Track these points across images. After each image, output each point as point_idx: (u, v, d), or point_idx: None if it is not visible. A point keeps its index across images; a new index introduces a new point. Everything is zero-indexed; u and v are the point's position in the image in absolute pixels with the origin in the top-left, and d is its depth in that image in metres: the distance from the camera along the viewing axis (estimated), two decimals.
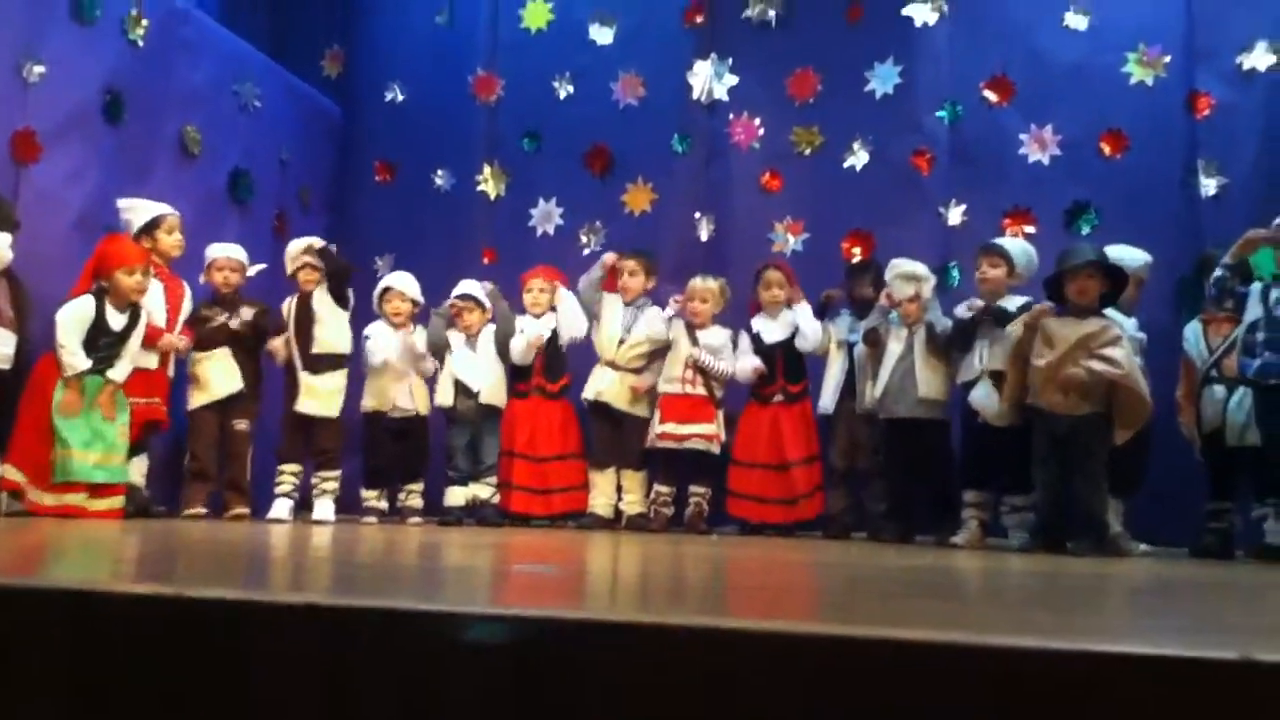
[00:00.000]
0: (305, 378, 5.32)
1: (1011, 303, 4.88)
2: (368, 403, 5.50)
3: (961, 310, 5.03)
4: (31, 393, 4.44)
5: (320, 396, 5.31)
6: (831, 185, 6.28)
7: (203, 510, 5.06)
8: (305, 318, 5.38)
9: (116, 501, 4.53)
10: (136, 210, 4.97)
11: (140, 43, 5.24)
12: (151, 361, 4.90)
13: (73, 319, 4.49)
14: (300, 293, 5.43)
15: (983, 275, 5.04)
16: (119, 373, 4.62)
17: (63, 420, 4.38)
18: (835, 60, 6.35)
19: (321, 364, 5.33)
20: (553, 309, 5.71)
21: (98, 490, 4.44)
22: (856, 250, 6.14)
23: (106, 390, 4.55)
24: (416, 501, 5.56)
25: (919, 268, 5.17)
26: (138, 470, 4.86)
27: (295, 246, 5.49)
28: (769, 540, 5.05)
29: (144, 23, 5.25)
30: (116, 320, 4.60)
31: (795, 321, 5.50)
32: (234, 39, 6.04)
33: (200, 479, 5.16)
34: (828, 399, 5.45)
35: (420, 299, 5.63)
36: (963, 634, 1.46)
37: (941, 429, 5.10)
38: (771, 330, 5.56)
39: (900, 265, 5.17)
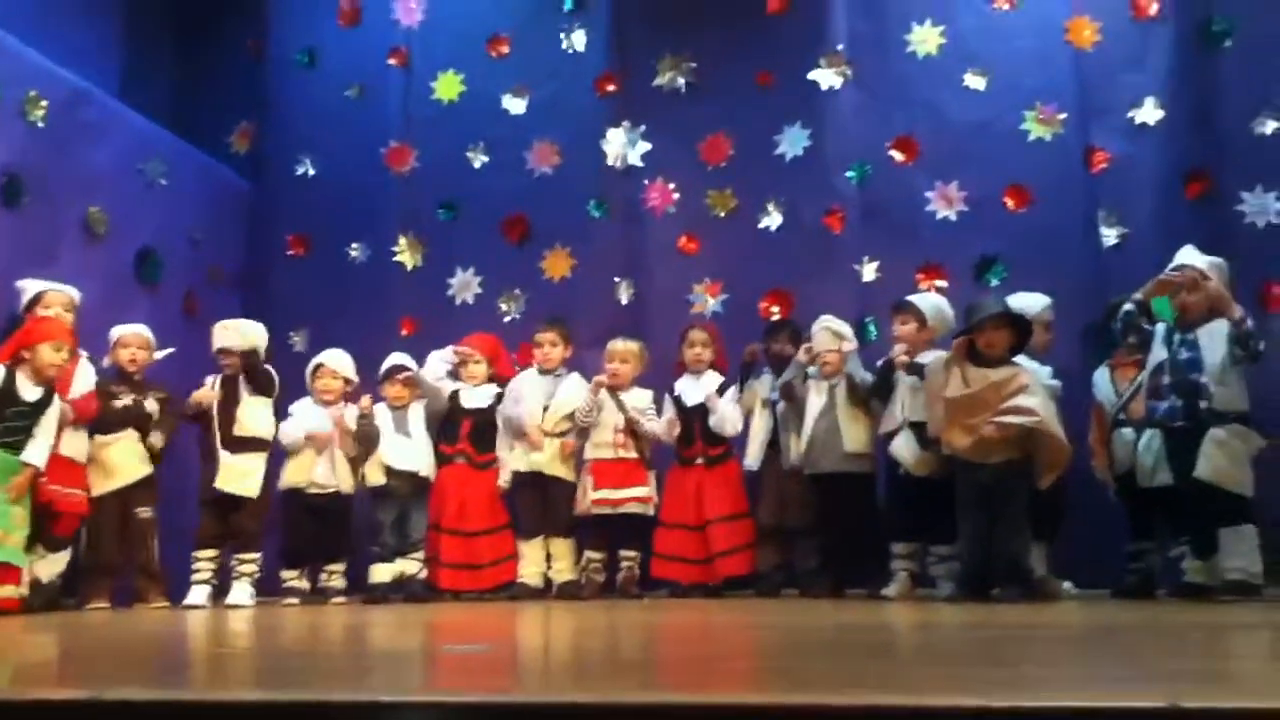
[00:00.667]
0: (225, 457, 5.19)
1: (927, 358, 4.96)
2: (286, 479, 5.36)
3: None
4: None
5: (239, 476, 5.18)
6: (748, 246, 6.38)
7: (105, 604, 4.87)
8: (228, 399, 5.26)
9: (11, 590, 4.32)
10: (26, 290, 4.84)
11: (40, 124, 5.13)
12: (79, 452, 4.77)
13: None
14: (223, 375, 5.31)
15: (897, 333, 5.14)
16: (36, 455, 4.45)
17: None
18: (746, 124, 6.49)
19: (242, 445, 5.21)
20: (490, 380, 5.66)
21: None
22: (775, 309, 6.21)
23: (25, 474, 4.39)
24: (339, 581, 5.41)
25: (844, 327, 5.29)
26: (55, 565, 4.68)
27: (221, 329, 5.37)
28: (701, 603, 5.03)
29: (43, 104, 5.14)
30: (30, 392, 4.46)
31: (714, 418, 5.48)
32: (137, 117, 5.95)
33: (102, 571, 4.98)
34: (753, 457, 5.45)
35: (353, 376, 5.56)
36: (904, 697, 1.46)
37: (867, 481, 5.15)
38: (693, 393, 5.58)
39: (826, 320, 5.27)
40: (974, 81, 6.31)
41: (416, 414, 5.58)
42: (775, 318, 6.08)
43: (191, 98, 7.01)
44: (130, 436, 5.08)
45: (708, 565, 5.37)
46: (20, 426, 4.43)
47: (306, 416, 5.41)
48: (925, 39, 6.39)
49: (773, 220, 6.40)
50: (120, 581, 5.06)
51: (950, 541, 4.75)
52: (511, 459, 5.55)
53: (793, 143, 6.44)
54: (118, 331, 5.21)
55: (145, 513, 5.09)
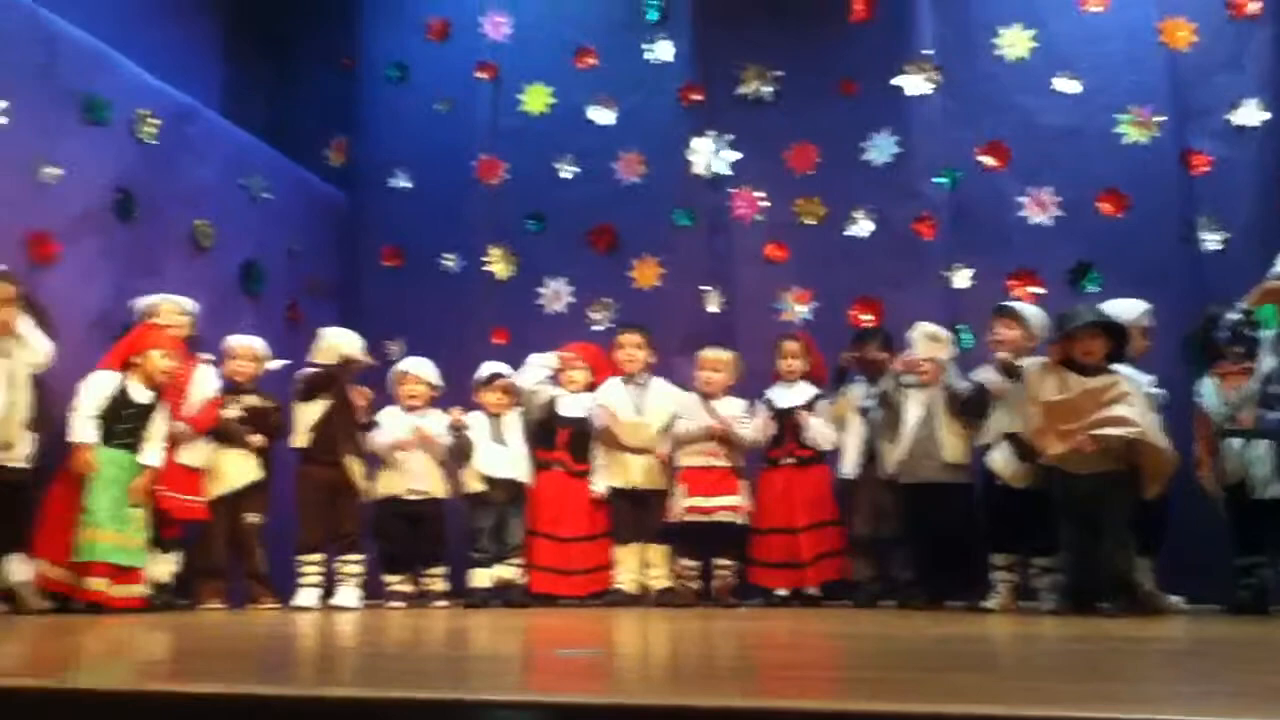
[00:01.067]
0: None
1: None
2: (382, 487, 5.48)
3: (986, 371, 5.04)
4: (60, 484, 4.46)
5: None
6: (836, 254, 6.37)
7: (219, 605, 5.03)
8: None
9: (136, 589, 4.51)
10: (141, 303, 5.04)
11: (150, 141, 5.34)
12: (197, 459, 4.95)
13: (94, 387, 4.54)
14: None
15: (998, 337, 5.07)
16: (153, 457, 4.63)
17: (92, 495, 4.38)
18: (832, 132, 6.49)
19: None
20: (589, 388, 5.70)
21: (118, 575, 4.43)
22: (865, 317, 6.18)
23: (145, 476, 4.58)
24: (440, 585, 5.51)
25: (943, 332, 5.26)
26: (168, 566, 4.84)
27: (331, 339, 5.50)
28: (798, 611, 5.01)
29: (152, 121, 5.35)
30: (141, 396, 4.63)
31: (809, 398, 5.48)
32: (239, 133, 6.14)
33: (213, 573, 5.13)
34: (849, 465, 5.41)
35: (437, 383, 5.65)
36: (1004, 708, 1.44)
37: (965, 492, 5.08)
38: (784, 397, 5.56)
39: (924, 327, 5.24)
40: (1065, 85, 6.21)
41: (512, 421, 5.64)
42: (865, 325, 6.04)
43: (289, 113, 7.23)
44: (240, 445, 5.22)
45: (796, 570, 5.35)
46: (133, 429, 4.60)
47: (394, 425, 5.53)
48: (1014, 42, 6.31)
49: (861, 227, 6.38)
50: (232, 583, 5.21)
51: (1052, 553, 4.67)
52: (608, 474, 5.56)
53: (880, 150, 6.41)
54: (227, 343, 5.37)
55: (253, 518, 5.23)
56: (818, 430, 5.43)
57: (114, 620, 4.00)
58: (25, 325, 4.23)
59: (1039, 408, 4.56)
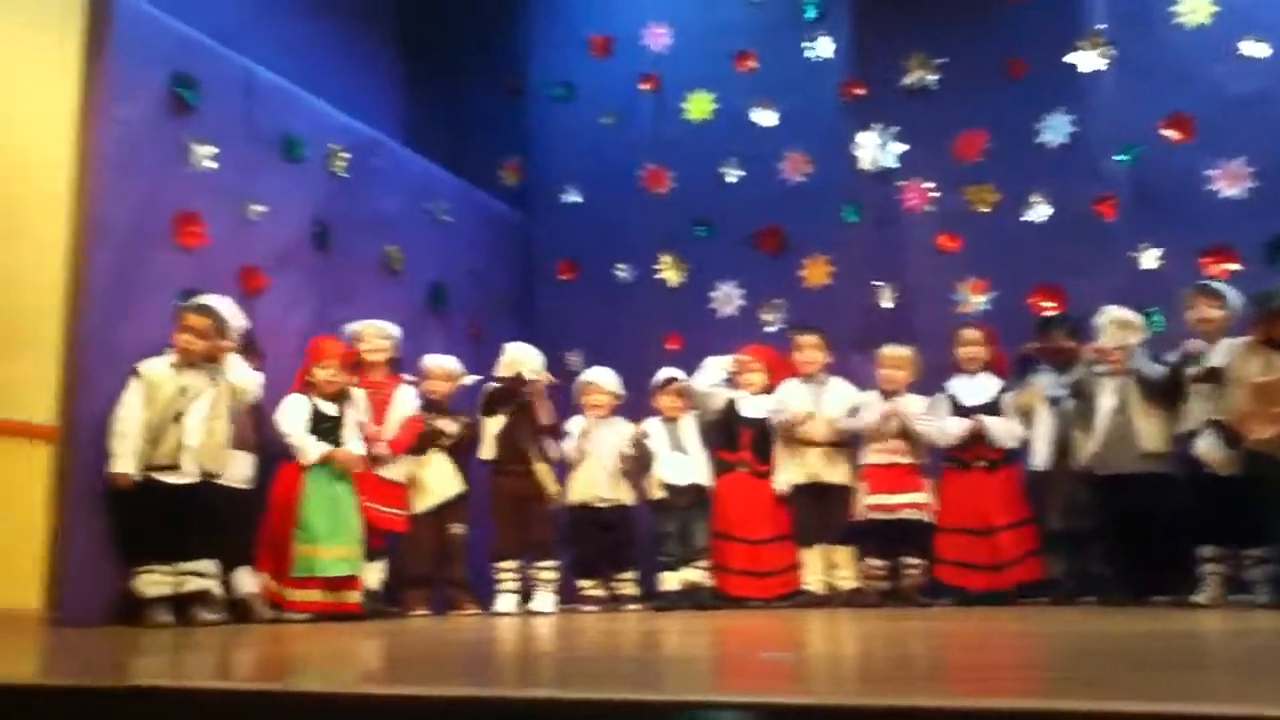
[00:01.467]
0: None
1: (1218, 354, 4.67)
2: (573, 494, 5.66)
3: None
4: (275, 501, 4.77)
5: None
6: (1013, 240, 6.21)
7: (425, 611, 5.27)
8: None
9: (354, 596, 4.80)
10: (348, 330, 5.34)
11: (342, 174, 5.68)
12: (400, 474, 5.24)
13: (290, 409, 4.86)
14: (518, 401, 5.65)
15: (1204, 317, 4.86)
16: (355, 446, 4.93)
17: (306, 511, 4.68)
18: (1002, 116, 6.33)
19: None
20: (767, 390, 5.75)
21: (337, 585, 4.72)
22: (1047, 304, 6.00)
23: (349, 455, 4.87)
24: (631, 589, 5.65)
25: (1133, 316, 5.07)
26: (376, 574, 5.11)
27: (512, 354, 5.72)
28: (991, 610, 4.91)
29: (343, 155, 5.69)
30: (328, 408, 4.93)
31: (993, 394, 5.39)
32: (421, 161, 6.44)
33: (419, 582, 5.37)
34: (1040, 458, 5.26)
35: (620, 391, 5.81)
36: (1213, 706, 1.41)
37: (1166, 481, 4.87)
38: (969, 393, 5.47)
39: (1113, 311, 5.06)
40: (1252, 49, 5.88)
41: (689, 426, 5.74)
42: (1047, 313, 5.87)
43: (464, 138, 7.52)
44: (441, 458, 5.44)
45: (996, 572, 5.25)
46: (332, 442, 4.89)
47: (581, 434, 5.69)
48: (1194, 9, 6.03)
49: (1038, 212, 6.21)
50: (436, 591, 5.46)
51: (1265, 543, 4.44)
52: (790, 469, 5.59)
53: (1055, 130, 6.23)
54: (424, 363, 5.62)
55: (457, 529, 5.46)
56: (1002, 432, 5.33)
57: (333, 627, 4.26)
58: (233, 358, 4.53)
59: (1244, 390, 4.36)
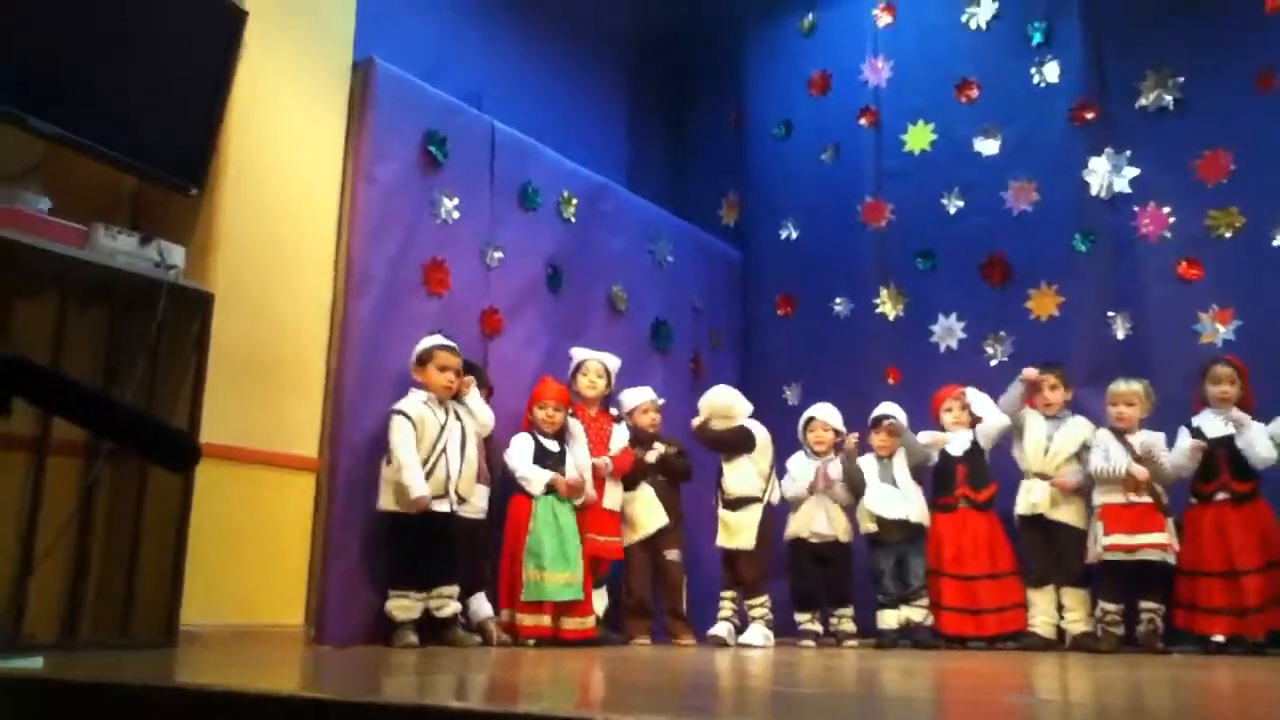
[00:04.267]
0: (723, 514, 5.66)
1: None
2: (791, 530, 5.73)
3: None
4: (508, 531, 5.04)
5: (735, 531, 5.61)
6: (1261, 266, 5.84)
7: (647, 640, 5.43)
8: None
9: (588, 622, 5.00)
10: (575, 357, 5.62)
11: (572, 219, 5.98)
12: (615, 502, 5.45)
13: (519, 447, 5.13)
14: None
15: None
16: (581, 468, 5.19)
17: (536, 539, 4.92)
18: (1247, 133, 5.98)
19: (737, 504, 5.64)
20: (971, 424, 5.70)
21: (567, 609, 4.93)
22: None
23: (572, 481, 5.10)
24: (849, 625, 5.67)
25: None
26: (601, 602, 5.31)
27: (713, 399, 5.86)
28: (1237, 660, 4.63)
29: (573, 201, 5.99)
30: (551, 445, 5.18)
31: (1241, 439, 5.11)
32: (644, 203, 6.69)
33: (639, 613, 5.53)
34: None
35: (842, 428, 5.85)
36: None
37: None
38: (1214, 426, 5.20)
39: None
40: None
41: (901, 462, 5.73)
42: None
43: (685, 178, 7.78)
44: (648, 492, 5.62)
45: (1242, 618, 4.95)
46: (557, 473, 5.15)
47: (802, 473, 5.77)
48: None
49: None
50: (656, 621, 5.63)
51: None
52: (1020, 501, 5.50)
53: None
54: (633, 399, 5.81)
55: (672, 554, 5.60)
56: (1261, 447, 5.03)
57: (566, 653, 4.45)
58: (473, 396, 4.85)
59: None
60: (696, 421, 5.77)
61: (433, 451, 4.59)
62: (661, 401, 5.87)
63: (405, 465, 4.47)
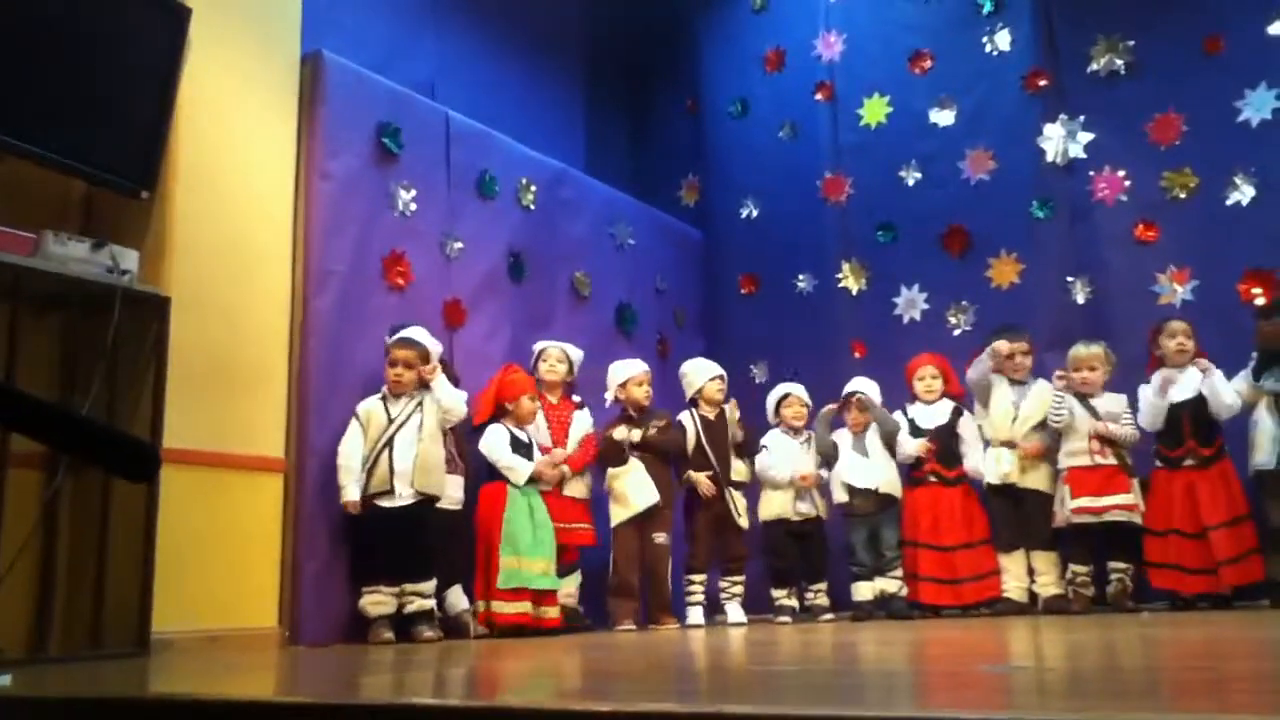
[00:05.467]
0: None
1: None
2: (769, 510, 5.74)
3: None
4: (480, 521, 4.97)
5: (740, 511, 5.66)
6: (1216, 226, 5.91)
7: (631, 625, 5.33)
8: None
9: (554, 611, 4.99)
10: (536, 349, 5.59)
11: (531, 206, 5.94)
12: (580, 490, 5.42)
13: (496, 439, 5.08)
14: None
15: None
16: (550, 457, 5.20)
17: (512, 528, 4.88)
18: (1198, 95, 6.04)
19: (733, 486, 5.69)
20: (946, 397, 5.74)
21: (540, 599, 4.91)
22: (1257, 291, 5.69)
23: (556, 461, 5.13)
24: (824, 599, 5.70)
25: None
26: (569, 588, 5.29)
27: (697, 370, 5.90)
28: (1206, 616, 4.70)
29: (532, 188, 5.95)
30: (521, 434, 5.16)
31: (1206, 385, 5.17)
32: (604, 188, 6.65)
33: (625, 595, 5.45)
34: (1264, 454, 5.01)
35: (809, 403, 5.89)
36: None
37: None
38: (1177, 388, 5.26)
39: None
40: None
41: (874, 436, 5.75)
42: (1260, 301, 5.56)
43: (643, 161, 7.74)
44: (638, 467, 5.51)
45: (1211, 575, 5.03)
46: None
47: (780, 452, 5.77)
48: None
49: (1243, 194, 5.89)
50: (641, 604, 5.57)
51: None
52: (984, 471, 5.54)
53: (1258, 106, 5.90)
54: (624, 371, 5.72)
55: (661, 538, 5.50)
56: (1227, 398, 5.09)
57: (541, 642, 4.42)
58: (439, 383, 4.77)
59: None
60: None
61: (375, 447, 4.57)
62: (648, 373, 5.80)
63: (338, 467, 4.51)
